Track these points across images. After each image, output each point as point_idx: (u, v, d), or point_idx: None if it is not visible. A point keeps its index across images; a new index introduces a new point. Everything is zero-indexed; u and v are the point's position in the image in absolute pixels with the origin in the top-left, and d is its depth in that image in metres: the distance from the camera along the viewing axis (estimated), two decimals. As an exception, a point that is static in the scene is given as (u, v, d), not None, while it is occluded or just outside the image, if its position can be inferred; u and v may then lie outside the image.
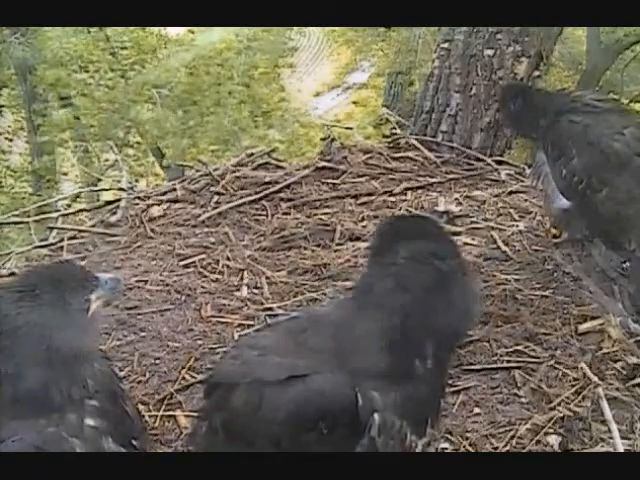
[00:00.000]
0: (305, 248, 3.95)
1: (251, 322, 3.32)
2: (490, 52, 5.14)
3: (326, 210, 4.39)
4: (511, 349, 3.03)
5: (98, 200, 6.27)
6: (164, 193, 4.85)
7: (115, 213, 4.65)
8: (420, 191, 4.61)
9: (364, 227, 4.11)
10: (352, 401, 1.74)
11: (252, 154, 5.26)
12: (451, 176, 4.81)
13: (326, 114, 13.93)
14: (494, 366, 2.95)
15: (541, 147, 3.45)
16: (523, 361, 2.97)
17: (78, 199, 8.72)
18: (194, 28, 12.81)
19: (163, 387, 2.94)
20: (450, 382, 2.71)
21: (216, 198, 4.63)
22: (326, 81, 16.43)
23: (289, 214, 4.36)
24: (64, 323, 1.70)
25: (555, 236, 3.84)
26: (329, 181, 4.76)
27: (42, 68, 11.89)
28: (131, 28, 12.34)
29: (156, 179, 11.76)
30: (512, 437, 2.59)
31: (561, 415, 2.66)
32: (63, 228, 4.55)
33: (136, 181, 10.70)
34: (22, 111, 13.56)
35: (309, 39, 17.36)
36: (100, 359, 1.85)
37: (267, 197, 4.56)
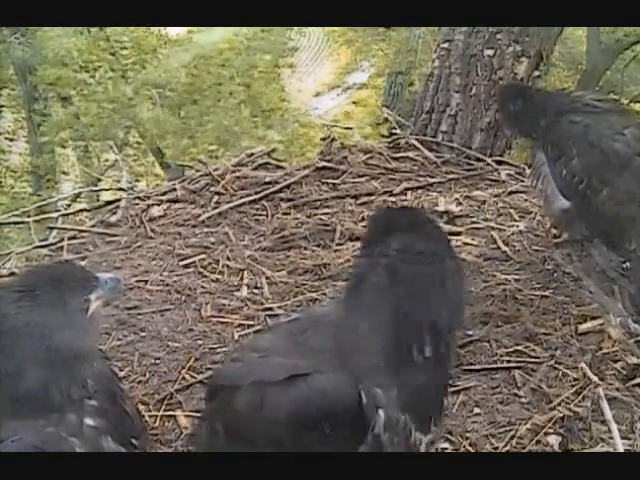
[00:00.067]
0: (305, 248, 3.95)
1: (251, 322, 3.32)
2: (490, 52, 5.14)
3: (326, 210, 4.39)
4: (511, 349, 3.03)
5: (98, 200, 6.29)
6: (164, 193, 4.85)
7: (115, 213, 4.65)
8: (420, 191, 4.61)
9: (364, 227, 4.11)
10: (355, 399, 1.74)
11: (252, 154, 5.27)
12: (451, 176, 4.81)
13: (326, 114, 13.91)
14: (494, 366, 2.95)
15: (541, 147, 3.45)
16: (523, 361, 2.97)
17: (78, 199, 8.73)
18: (194, 28, 12.79)
19: (163, 387, 2.94)
20: (450, 382, 2.71)
21: (216, 198, 4.63)
22: (326, 81, 16.41)
23: (289, 214, 4.36)
24: (63, 323, 1.70)
25: (555, 236, 3.84)
26: (329, 181, 4.76)
27: (42, 68, 11.89)
28: (131, 28, 12.34)
29: (156, 179, 11.76)
30: (512, 437, 2.59)
31: (561, 415, 2.66)
32: (63, 228, 4.55)
33: (136, 181, 10.70)
34: (22, 111, 13.56)
35: (309, 39, 17.35)
36: (100, 359, 1.85)
37: (267, 197, 4.56)
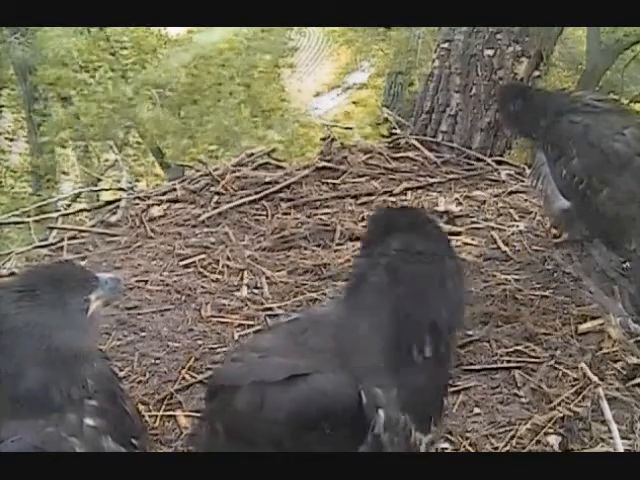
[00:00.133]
0: (305, 248, 3.95)
1: (251, 322, 3.32)
2: (490, 52, 5.14)
3: (326, 210, 4.39)
4: (511, 349, 3.03)
5: (98, 200, 6.29)
6: (164, 193, 4.85)
7: (115, 213, 4.66)
8: (420, 191, 4.61)
9: (364, 227, 4.11)
10: (355, 399, 1.74)
11: (252, 154, 5.27)
12: (451, 176, 4.81)
13: (326, 114, 13.91)
14: (494, 366, 2.95)
15: (541, 147, 3.45)
16: (523, 361, 2.97)
17: (78, 199, 8.73)
18: (194, 28, 12.79)
19: (163, 387, 2.94)
20: (450, 382, 2.71)
21: (216, 198, 4.63)
22: (326, 81, 16.41)
23: (289, 214, 4.36)
24: (63, 323, 1.69)
25: (555, 236, 3.84)
26: (329, 181, 4.76)
27: (42, 68, 11.89)
28: (131, 28, 12.34)
29: (156, 179, 11.76)
30: (512, 437, 2.59)
31: (561, 415, 2.66)
32: (63, 228, 4.55)
33: (136, 181, 10.70)
34: (22, 111, 13.56)
35: (309, 39, 17.35)
36: (100, 359, 1.85)
37: (267, 197, 4.56)
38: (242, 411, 1.83)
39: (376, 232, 1.96)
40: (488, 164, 4.97)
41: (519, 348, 3.03)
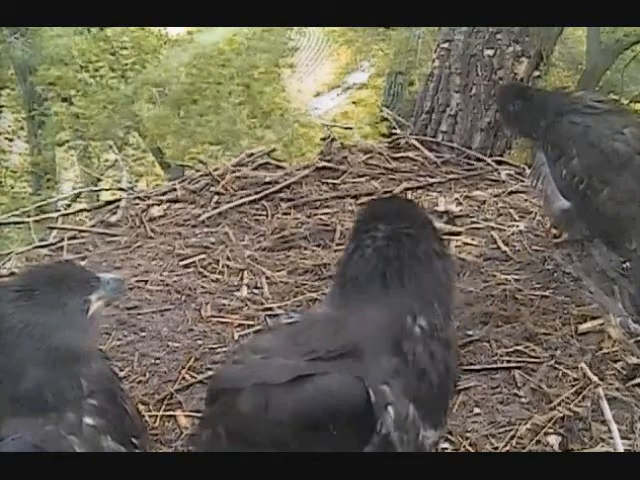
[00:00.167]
0: (305, 248, 3.95)
1: (251, 322, 3.32)
2: (490, 52, 5.14)
3: (326, 210, 4.39)
4: (511, 349, 3.03)
5: (98, 200, 6.30)
6: (164, 193, 4.85)
7: (115, 213, 4.66)
8: (420, 191, 4.61)
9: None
10: (364, 398, 1.72)
11: (252, 154, 5.27)
12: (451, 176, 4.81)
13: (326, 114, 13.90)
14: (494, 366, 2.96)
15: (541, 147, 3.45)
16: (523, 361, 2.97)
17: (78, 199, 8.73)
18: (194, 28, 12.79)
19: (163, 387, 2.94)
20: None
21: (216, 198, 4.63)
22: (326, 81, 16.39)
23: (289, 214, 4.36)
24: (62, 323, 1.69)
25: (555, 236, 3.84)
26: (329, 181, 4.77)
27: (42, 68, 11.88)
28: (131, 28, 12.33)
29: (156, 179, 11.75)
30: (512, 437, 2.59)
31: (561, 415, 2.66)
32: (63, 228, 4.55)
33: (136, 181, 10.70)
34: (22, 111, 13.55)
35: (309, 39, 17.34)
36: (99, 359, 1.84)
37: (267, 197, 4.56)
38: (245, 414, 1.80)
39: (364, 221, 1.97)
40: (488, 164, 4.97)
41: (519, 348, 3.03)
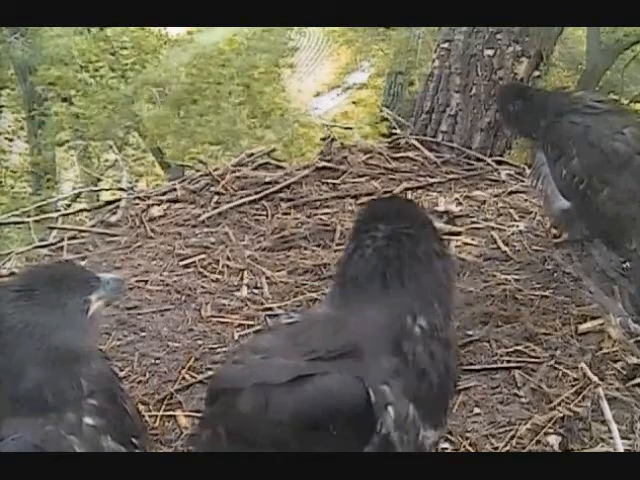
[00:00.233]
0: (305, 248, 3.95)
1: (251, 322, 3.32)
2: (490, 52, 5.14)
3: (326, 210, 4.39)
4: (511, 349, 3.03)
5: (98, 200, 6.30)
6: (164, 193, 4.85)
7: (115, 213, 4.66)
8: (420, 191, 4.61)
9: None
10: (364, 398, 1.72)
11: (252, 154, 5.27)
12: (451, 176, 4.81)
13: (326, 114, 13.90)
14: (494, 366, 2.96)
15: (541, 147, 3.45)
16: (523, 361, 2.97)
17: (78, 199, 8.73)
18: (194, 28, 12.79)
19: (163, 387, 2.94)
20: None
21: (216, 198, 4.63)
22: (326, 81, 16.39)
23: (289, 214, 4.36)
24: (62, 323, 1.69)
25: (555, 236, 3.84)
26: (329, 181, 4.77)
27: (42, 68, 11.88)
28: (131, 28, 12.33)
29: (156, 179, 11.74)
30: (512, 437, 2.59)
31: (561, 415, 2.66)
32: (63, 228, 4.55)
33: (136, 181, 10.69)
34: (22, 111, 13.55)
35: (309, 39, 17.33)
36: (99, 359, 1.84)
37: (267, 197, 4.56)
38: (245, 414, 1.80)
39: (364, 221, 1.97)
40: (488, 164, 4.97)
41: (519, 348, 3.03)
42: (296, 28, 13.81)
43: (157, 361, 3.09)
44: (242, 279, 3.68)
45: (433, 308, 1.84)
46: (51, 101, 12.88)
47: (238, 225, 4.29)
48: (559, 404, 2.72)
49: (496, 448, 2.56)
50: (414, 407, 1.78)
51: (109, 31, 12.36)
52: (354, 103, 14.58)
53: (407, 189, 4.59)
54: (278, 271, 3.72)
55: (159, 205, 4.63)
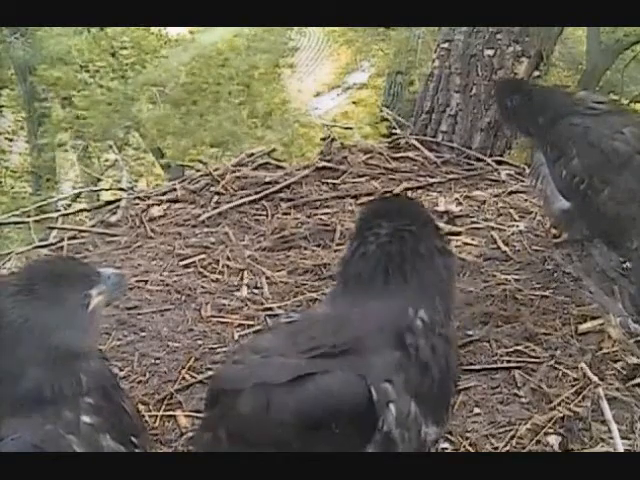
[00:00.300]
0: (305, 248, 3.95)
1: (251, 322, 3.32)
2: (490, 52, 5.15)
3: (326, 210, 4.39)
4: (511, 349, 3.03)
5: (98, 200, 6.29)
6: (164, 193, 4.85)
7: (115, 213, 4.66)
8: (420, 191, 4.61)
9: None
10: (366, 397, 1.72)
11: (252, 154, 5.27)
12: (451, 176, 4.81)
13: (326, 114, 13.91)
14: (494, 366, 2.95)
15: (540, 148, 3.45)
16: (523, 361, 2.97)
17: (78, 199, 8.72)
18: (194, 28, 12.79)
19: (163, 387, 2.94)
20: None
21: (216, 198, 4.63)
22: (326, 81, 16.39)
23: (289, 214, 4.36)
24: (62, 318, 1.68)
25: (555, 236, 3.84)
26: (329, 181, 4.77)
27: (42, 68, 11.88)
28: (131, 28, 12.33)
29: (156, 179, 11.74)
30: (512, 437, 2.59)
31: (561, 415, 2.66)
32: (63, 228, 4.55)
33: (136, 181, 10.69)
34: (22, 111, 13.56)
35: (309, 39, 17.33)
36: (96, 357, 1.83)
37: (267, 197, 4.56)
38: (246, 414, 1.79)
39: (366, 220, 1.97)
40: (488, 164, 4.97)
41: (519, 348, 3.03)
42: (296, 28, 13.81)
43: (157, 361, 3.09)
44: (242, 279, 3.68)
45: (434, 304, 1.84)
46: (51, 101, 12.88)
47: (238, 225, 4.29)
48: (559, 404, 2.72)
49: (496, 448, 2.55)
50: (416, 404, 1.78)
51: (109, 31, 12.36)
52: (354, 103, 14.58)
53: (407, 189, 4.59)
54: (278, 271, 3.72)
55: (159, 205, 4.63)
